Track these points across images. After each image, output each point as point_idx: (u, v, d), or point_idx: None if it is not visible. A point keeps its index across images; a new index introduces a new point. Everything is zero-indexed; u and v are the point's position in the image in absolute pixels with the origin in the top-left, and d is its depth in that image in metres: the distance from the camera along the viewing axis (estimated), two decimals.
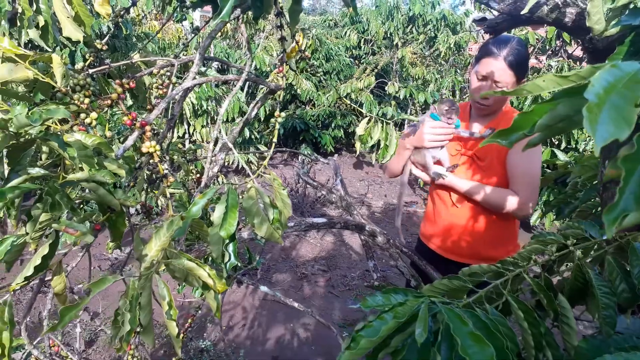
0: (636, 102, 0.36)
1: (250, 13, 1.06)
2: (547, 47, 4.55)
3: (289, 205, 0.94)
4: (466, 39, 5.62)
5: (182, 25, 6.63)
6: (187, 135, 4.83)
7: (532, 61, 4.32)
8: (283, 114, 1.03)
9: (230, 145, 1.12)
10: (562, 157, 2.74)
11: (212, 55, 5.34)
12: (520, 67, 1.55)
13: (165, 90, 1.30)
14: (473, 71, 1.63)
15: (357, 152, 4.35)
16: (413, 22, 6.65)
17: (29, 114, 0.72)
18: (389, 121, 1.66)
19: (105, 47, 1.34)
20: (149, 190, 1.30)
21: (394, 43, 6.31)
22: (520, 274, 0.96)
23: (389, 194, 6.16)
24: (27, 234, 0.78)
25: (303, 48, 1.42)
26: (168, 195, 0.89)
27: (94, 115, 0.89)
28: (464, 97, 5.21)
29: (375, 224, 1.67)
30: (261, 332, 3.19)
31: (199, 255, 1.40)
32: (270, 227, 0.93)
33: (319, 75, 6.51)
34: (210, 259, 1.53)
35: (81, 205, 1.20)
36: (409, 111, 6.29)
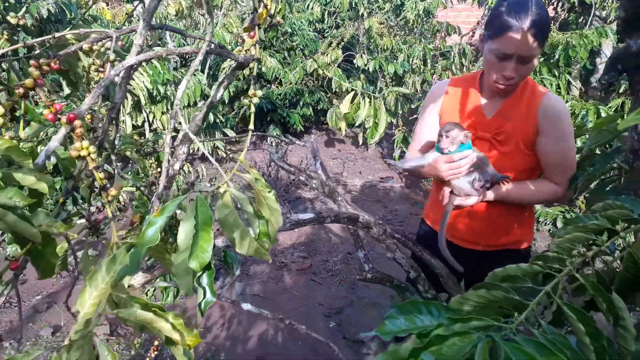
0: None
1: None
2: None
3: (277, 212, 0.72)
4: (435, 4, 5.38)
5: (133, 5, 6.15)
6: (146, 124, 4.46)
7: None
8: (259, 92, 0.79)
9: (193, 136, 0.88)
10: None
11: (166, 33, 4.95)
12: (545, 34, 1.35)
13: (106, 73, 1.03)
14: (488, 49, 1.40)
15: (343, 133, 4.10)
16: None
17: None
18: (376, 95, 1.44)
19: (22, 22, 1.06)
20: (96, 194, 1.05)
21: (360, 14, 6.02)
22: (570, 272, 0.79)
23: (363, 170, 5.98)
24: None
25: (272, 13, 1.18)
26: (110, 214, 0.65)
27: None
28: (435, 65, 5.02)
29: (354, 205, 1.49)
30: (242, 331, 2.97)
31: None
32: (253, 242, 0.71)
33: (282, 52, 6.20)
34: None
35: None
36: (378, 83, 6.06)
